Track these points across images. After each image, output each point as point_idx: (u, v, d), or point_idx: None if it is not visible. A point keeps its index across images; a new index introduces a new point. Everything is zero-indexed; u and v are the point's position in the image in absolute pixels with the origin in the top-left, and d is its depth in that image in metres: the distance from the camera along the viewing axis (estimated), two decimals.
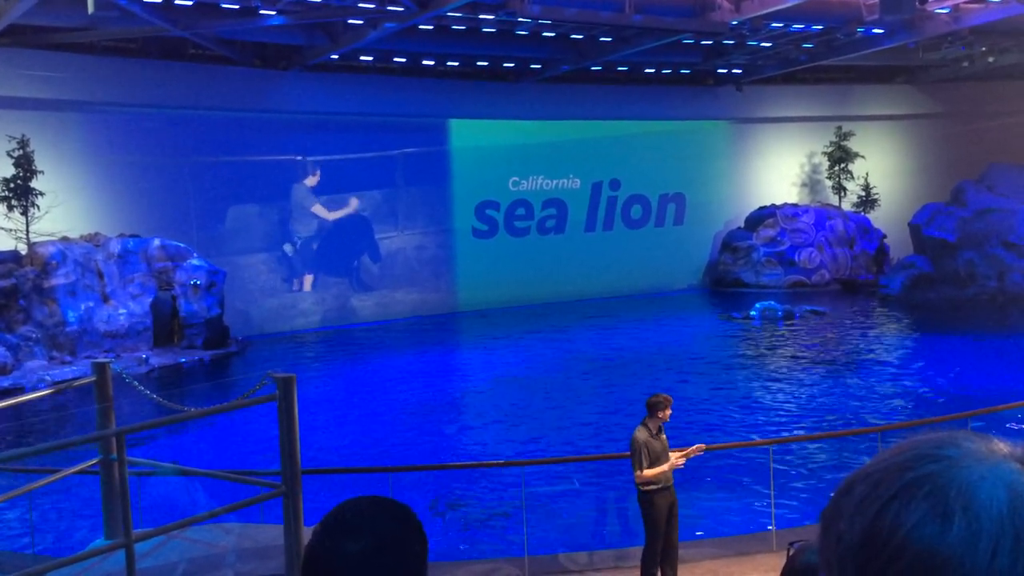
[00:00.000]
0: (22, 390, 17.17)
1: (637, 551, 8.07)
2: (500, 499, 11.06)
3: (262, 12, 20.79)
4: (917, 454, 0.78)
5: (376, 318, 27.28)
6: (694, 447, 7.73)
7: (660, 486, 7.56)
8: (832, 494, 0.82)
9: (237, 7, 20.55)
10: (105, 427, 6.66)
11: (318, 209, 26.82)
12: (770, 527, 9.00)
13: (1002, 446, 0.78)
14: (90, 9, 19.28)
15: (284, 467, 5.81)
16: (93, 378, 6.78)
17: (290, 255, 26.44)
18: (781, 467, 11.08)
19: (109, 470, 6.50)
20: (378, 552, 1.48)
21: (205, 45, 23.46)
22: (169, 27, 20.88)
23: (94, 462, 6.72)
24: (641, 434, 7.53)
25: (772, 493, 9.12)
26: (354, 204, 27.35)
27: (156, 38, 22.92)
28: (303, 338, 25.41)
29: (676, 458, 7.56)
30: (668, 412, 7.63)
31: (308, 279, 26.86)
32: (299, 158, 26.51)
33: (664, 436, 7.62)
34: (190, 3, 20.17)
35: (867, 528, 0.75)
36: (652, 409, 7.60)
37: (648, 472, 7.45)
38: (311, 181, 26.71)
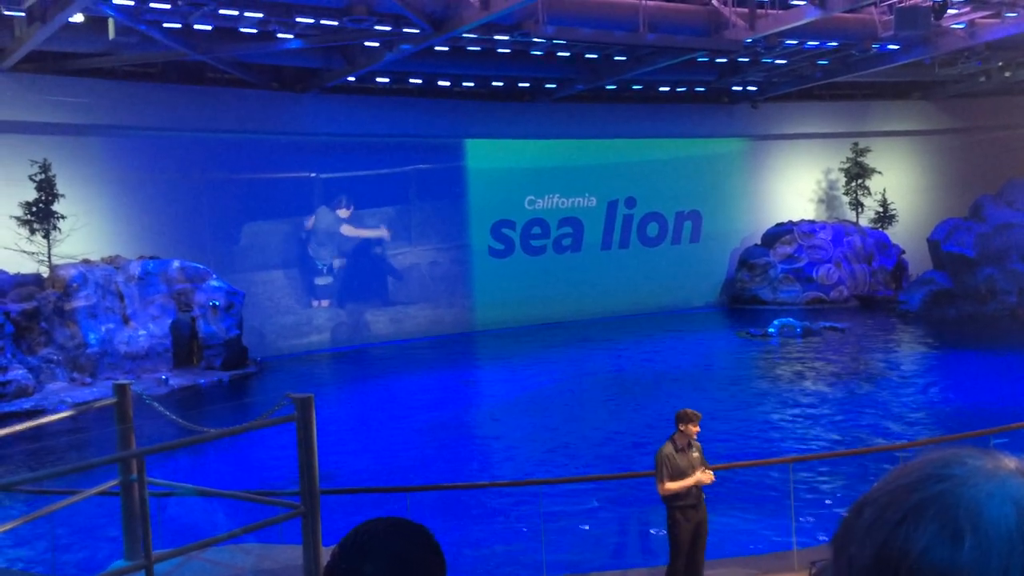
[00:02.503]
0: (43, 412, 17.31)
1: (658, 571, 8.01)
2: (518, 518, 11.02)
3: (280, 36, 21.02)
4: (924, 475, 0.77)
5: (391, 337, 27.33)
6: (704, 475, 7.54)
7: (685, 503, 7.49)
8: (841, 518, 0.82)
9: (255, 31, 20.79)
10: (125, 448, 6.71)
11: (347, 229, 27.01)
12: (792, 546, 8.92)
13: (1008, 462, 0.78)
14: (111, 35, 19.60)
15: (303, 487, 5.82)
16: (113, 400, 6.83)
17: (322, 284, 26.66)
18: (802, 485, 10.99)
19: (129, 491, 6.54)
20: (398, 573, 1.49)
21: (223, 69, 23.72)
22: (188, 52, 21.14)
23: (114, 483, 6.76)
24: (666, 448, 7.51)
25: (793, 511, 9.05)
26: (384, 231, 27.56)
27: (175, 62, 23.21)
28: (319, 358, 25.48)
29: (700, 473, 7.46)
30: (693, 428, 7.57)
31: (325, 303, 26.99)
32: (312, 175, 26.70)
33: (695, 452, 7.54)
34: (209, 28, 20.42)
35: (878, 552, 0.75)
36: (678, 423, 7.58)
37: (670, 486, 7.39)
38: (344, 213, 26.95)
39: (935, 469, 0.77)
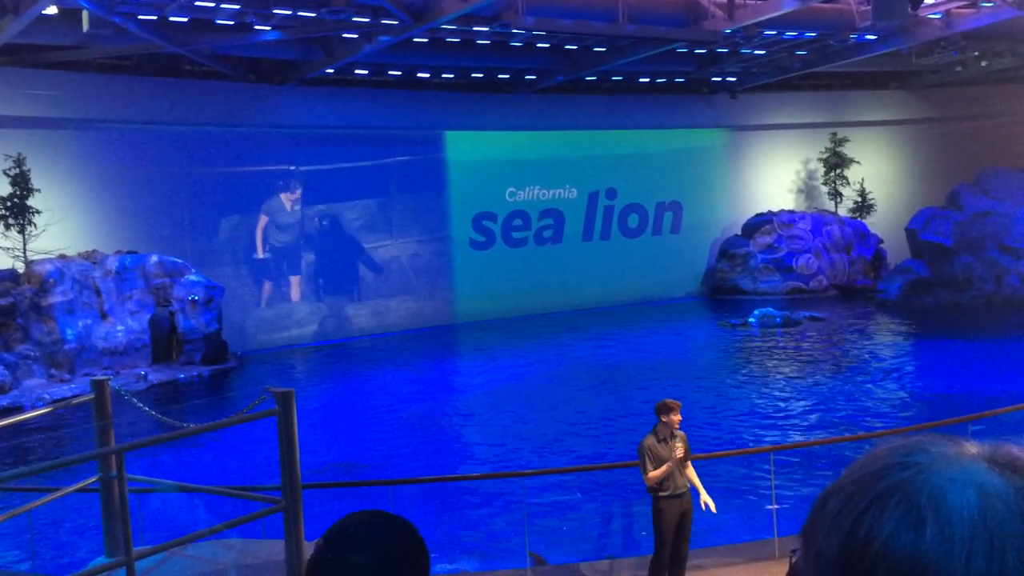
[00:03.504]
0: (21, 409, 17.14)
1: (643, 560, 8.04)
2: (501, 511, 11.03)
3: (257, 28, 20.85)
4: (887, 463, 0.77)
5: (372, 330, 27.26)
6: (674, 453, 7.54)
7: (669, 493, 7.52)
8: (809, 509, 0.82)
9: (232, 23, 20.60)
10: (104, 445, 6.65)
11: (284, 199, 26.33)
12: (773, 534, 8.98)
13: (971, 447, 0.78)
14: (85, 27, 19.37)
15: (284, 482, 5.79)
16: (92, 396, 6.76)
17: (262, 258, 26.02)
18: (783, 473, 11.06)
19: (109, 488, 6.48)
20: (383, 564, 1.48)
21: (200, 61, 23.51)
22: (164, 44, 20.93)
23: (94, 480, 6.70)
24: (648, 440, 7.55)
25: (774, 499, 9.10)
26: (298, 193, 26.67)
27: (151, 55, 22.97)
28: (299, 352, 25.38)
29: (675, 453, 7.43)
30: (676, 417, 7.59)
31: (295, 280, 26.53)
32: (292, 168, 26.52)
33: (678, 443, 7.56)
34: (185, 20, 20.22)
35: (843, 542, 0.75)
36: (659, 414, 7.60)
37: (654, 473, 7.43)
38: (288, 197, 26.36)
39: (899, 457, 0.78)
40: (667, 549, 7.59)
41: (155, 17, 19.60)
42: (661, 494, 7.51)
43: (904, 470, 0.76)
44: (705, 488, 7.88)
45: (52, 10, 18.48)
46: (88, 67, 22.84)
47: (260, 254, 25.96)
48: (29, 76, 21.67)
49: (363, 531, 1.51)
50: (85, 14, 19.03)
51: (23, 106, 21.73)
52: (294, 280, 26.50)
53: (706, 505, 7.75)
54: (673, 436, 7.58)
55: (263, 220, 26.04)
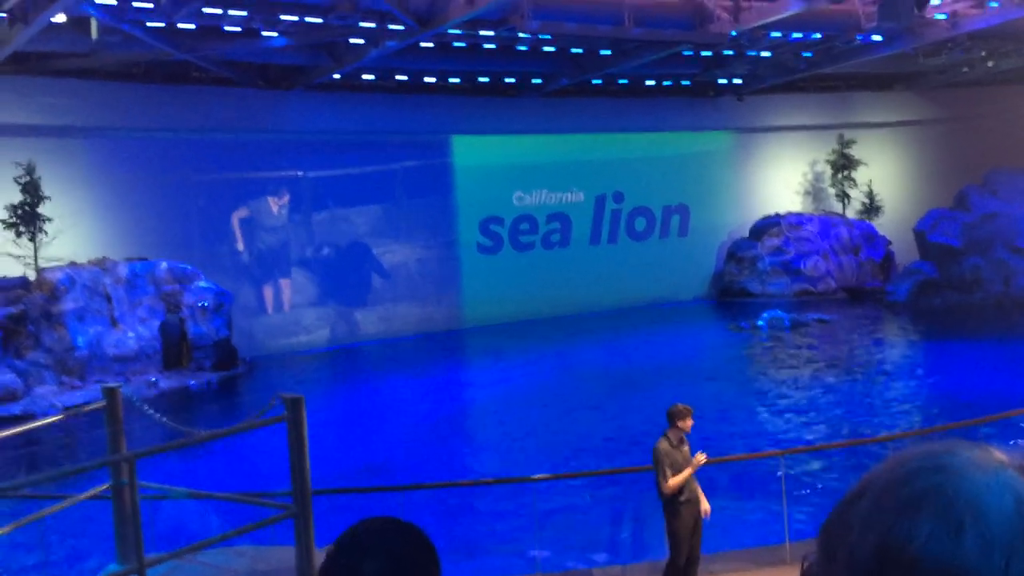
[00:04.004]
0: (33, 416, 17.20)
1: (657, 565, 8.03)
2: (511, 516, 11.03)
3: (264, 34, 20.92)
4: (919, 466, 0.78)
5: (381, 335, 27.28)
6: (696, 458, 7.57)
7: (685, 498, 7.51)
8: (834, 507, 0.82)
9: (240, 30, 20.69)
10: (115, 451, 6.68)
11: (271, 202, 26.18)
12: (785, 539, 8.95)
13: (1000, 455, 0.79)
14: (94, 35, 19.47)
15: (295, 488, 5.81)
16: (103, 403, 6.79)
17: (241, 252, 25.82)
18: (794, 477, 11.03)
19: (120, 495, 6.51)
20: (394, 571, 1.49)
21: (208, 67, 23.60)
22: (173, 51, 21.02)
23: (105, 487, 6.73)
24: (663, 445, 7.50)
25: (785, 504, 9.08)
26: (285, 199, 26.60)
27: (160, 62, 23.07)
28: (309, 358, 25.42)
29: (695, 459, 7.43)
30: (689, 422, 7.58)
31: (279, 284, 26.35)
32: (300, 173, 26.58)
33: (687, 448, 7.56)
34: (193, 27, 20.30)
35: (879, 542, 0.75)
36: (672, 419, 7.57)
37: (674, 480, 7.40)
38: (276, 202, 26.25)
39: (930, 461, 0.78)
40: (684, 554, 7.58)
41: (163, 24, 19.69)
42: (678, 499, 7.50)
43: (937, 473, 0.76)
44: (714, 492, 7.88)
45: (61, 18, 18.59)
46: (97, 74, 22.95)
47: (240, 246, 25.70)
48: (38, 84, 21.79)
49: (375, 538, 1.52)
50: (94, 22, 19.14)
51: (33, 114, 21.84)
52: (284, 283, 26.38)
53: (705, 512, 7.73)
54: (682, 441, 7.57)
55: (243, 212, 25.80)
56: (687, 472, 7.41)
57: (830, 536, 0.81)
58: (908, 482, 0.77)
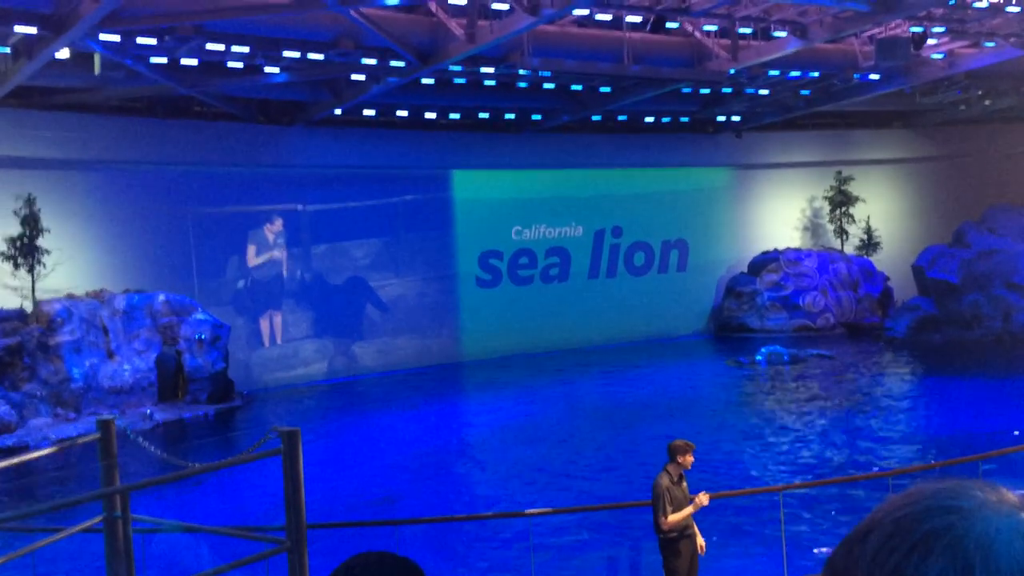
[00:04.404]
0: (26, 448, 17.11)
1: None
2: (507, 551, 10.92)
3: (266, 70, 21.10)
4: (930, 505, 0.77)
5: (379, 368, 27.22)
6: (698, 498, 7.50)
7: (683, 534, 7.45)
8: (841, 542, 0.81)
9: (242, 65, 20.87)
10: (109, 484, 6.62)
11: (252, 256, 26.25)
12: (782, 574, 8.86)
13: (1012, 496, 0.78)
14: (97, 70, 19.62)
15: (289, 522, 5.76)
16: (97, 435, 6.75)
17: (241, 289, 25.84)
18: (791, 513, 10.94)
19: (113, 528, 6.45)
20: None
21: (210, 102, 23.77)
22: (175, 86, 21.19)
23: (98, 519, 6.66)
24: (663, 480, 7.43)
25: (783, 540, 9.00)
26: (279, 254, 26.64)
27: (161, 97, 23.25)
28: (306, 391, 25.33)
29: (696, 498, 7.37)
30: (690, 458, 7.53)
31: (277, 317, 26.31)
32: (300, 207, 26.68)
33: (685, 484, 7.52)
34: (195, 62, 20.48)
35: None
36: (673, 454, 7.51)
37: (673, 518, 7.33)
38: (272, 229, 26.24)
39: (942, 500, 0.78)
40: None
41: (166, 60, 19.86)
42: (675, 535, 7.43)
43: (948, 514, 0.76)
44: (711, 528, 7.81)
45: (65, 53, 18.75)
46: (99, 108, 23.12)
47: (254, 262, 25.67)
48: (41, 118, 21.93)
49: (370, 573, 1.50)
50: (97, 57, 19.30)
51: (34, 147, 21.96)
52: (281, 316, 26.35)
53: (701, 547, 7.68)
54: (681, 477, 7.52)
55: (253, 247, 25.93)
56: (688, 511, 7.35)
57: (836, 573, 0.80)
58: (919, 521, 0.76)
